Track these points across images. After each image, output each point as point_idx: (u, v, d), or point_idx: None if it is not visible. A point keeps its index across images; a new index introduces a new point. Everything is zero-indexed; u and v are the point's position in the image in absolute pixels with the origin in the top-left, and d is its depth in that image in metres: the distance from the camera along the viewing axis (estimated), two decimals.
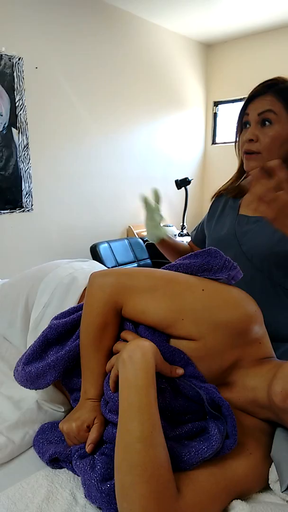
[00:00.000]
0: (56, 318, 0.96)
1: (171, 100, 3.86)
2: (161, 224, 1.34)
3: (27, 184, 2.76)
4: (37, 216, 2.86)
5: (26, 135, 2.70)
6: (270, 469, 0.74)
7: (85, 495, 0.72)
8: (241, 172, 1.24)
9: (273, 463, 0.74)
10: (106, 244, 3.03)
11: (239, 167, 1.23)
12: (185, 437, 0.73)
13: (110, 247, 3.04)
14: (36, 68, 2.70)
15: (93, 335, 0.84)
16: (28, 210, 2.80)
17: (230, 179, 1.28)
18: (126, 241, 3.23)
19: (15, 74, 2.58)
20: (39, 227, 2.90)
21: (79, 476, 0.76)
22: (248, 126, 1.10)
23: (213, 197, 1.32)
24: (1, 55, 2.49)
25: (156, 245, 1.38)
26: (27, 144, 2.72)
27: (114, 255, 3.00)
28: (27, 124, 2.69)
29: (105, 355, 0.84)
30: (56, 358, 0.88)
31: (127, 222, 3.54)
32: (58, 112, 2.89)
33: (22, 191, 2.75)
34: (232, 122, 4.24)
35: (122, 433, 0.66)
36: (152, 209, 1.30)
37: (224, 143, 4.28)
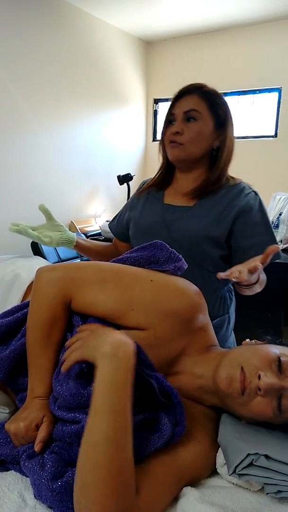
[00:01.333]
0: None
1: (113, 95, 3.84)
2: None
3: None
4: None
5: None
6: (217, 453, 0.77)
7: (34, 496, 0.70)
8: (166, 164, 1.31)
9: (220, 448, 0.77)
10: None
11: (164, 161, 1.31)
12: (137, 428, 0.74)
13: None
14: None
15: (42, 331, 0.82)
16: None
17: (156, 174, 1.35)
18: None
19: None
20: None
21: (27, 477, 0.74)
22: (173, 122, 1.20)
23: (139, 190, 1.37)
24: None
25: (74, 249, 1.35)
26: None
27: (56, 250, 2.93)
28: None
29: (54, 350, 0.83)
30: (0, 358, 0.85)
31: (69, 217, 3.48)
32: None
33: None
34: None
35: (92, 431, 0.62)
36: (51, 217, 1.27)
37: None
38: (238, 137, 3.91)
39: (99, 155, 3.72)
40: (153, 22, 3.67)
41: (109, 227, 1.47)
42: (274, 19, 3.50)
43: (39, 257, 1.27)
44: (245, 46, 3.73)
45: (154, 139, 4.43)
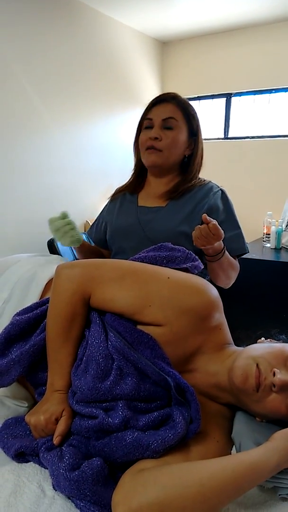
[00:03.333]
0: (18, 314, 0.95)
1: (128, 96, 3.86)
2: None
3: None
4: None
5: None
6: (232, 451, 0.79)
7: (53, 486, 0.73)
8: (139, 168, 1.39)
9: (234, 445, 0.78)
10: None
11: (137, 164, 1.39)
12: (152, 426, 0.76)
13: None
14: None
15: (62, 326, 0.85)
16: None
17: (130, 178, 1.43)
18: (84, 235, 3.20)
19: None
20: None
21: (46, 468, 0.77)
22: (150, 128, 1.26)
23: (114, 195, 1.44)
24: None
25: (75, 249, 1.40)
26: None
27: (72, 249, 2.97)
28: None
29: (74, 345, 0.86)
30: (20, 353, 0.88)
31: (85, 217, 3.52)
32: (11, 104, 2.80)
33: None
34: None
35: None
36: (66, 215, 1.30)
37: None
38: (254, 137, 3.90)
39: (114, 155, 3.74)
40: (169, 22, 3.68)
41: (87, 234, 1.50)
42: None
43: (57, 255, 1.30)
44: (260, 45, 3.70)
45: None
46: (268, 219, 3.34)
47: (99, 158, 3.60)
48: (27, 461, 0.81)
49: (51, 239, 2.91)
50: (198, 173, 1.35)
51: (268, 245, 3.20)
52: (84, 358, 0.82)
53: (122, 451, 0.71)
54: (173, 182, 1.32)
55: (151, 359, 0.79)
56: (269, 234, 3.22)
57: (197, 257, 0.96)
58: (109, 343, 0.82)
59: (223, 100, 4.01)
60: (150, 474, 0.66)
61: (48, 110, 3.06)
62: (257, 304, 2.82)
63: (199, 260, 0.95)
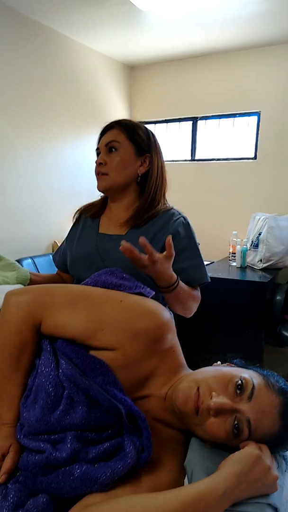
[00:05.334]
0: None
1: (97, 118, 3.90)
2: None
3: None
4: None
5: None
6: (185, 479, 0.77)
7: None
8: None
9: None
10: (29, 260, 2.94)
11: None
12: (102, 458, 0.74)
13: (34, 262, 2.96)
14: None
15: (10, 355, 0.82)
16: None
17: (91, 204, 1.42)
18: (51, 256, 3.17)
19: None
20: None
21: None
22: (99, 154, 1.31)
23: (75, 215, 1.43)
24: None
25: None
26: None
27: (38, 271, 2.92)
28: None
29: (23, 375, 0.83)
30: None
31: (52, 237, 3.48)
32: None
33: None
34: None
35: None
36: (1, 257, 1.25)
37: None
38: (219, 159, 4.01)
39: (82, 176, 3.75)
40: (136, 47, 3.77)
41: (52, 258, 1.49)
42: (253, 46, 3.63)
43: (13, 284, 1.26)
44: (225, 72, 3.85)
45: None
46: (234, 239, 3.41)
47: (66, 178, 3.59)
48: None
49: (16, 260, 2.85)
50: (161, 196, 1.32)
51: (234, 263, 3.26)
52: (34, 388, 0.80)
53: (70, 486, 0.69)
54: (133, 205, 1.30)
55: (103, 386, 0.78)
56: (234, 253, 3.28)
57: (145, 286, 0.96)
58: (60, 370, 0.80)
59: (190, 123, 4.12)
60: (96, 510, 0.64)
61: (16, 133, 3.05)
62: (224, 322, 2.85)
63: (150, 289, 0.96)
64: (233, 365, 0.88)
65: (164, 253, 1.03)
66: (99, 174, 1.29)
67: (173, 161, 4.18)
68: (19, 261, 2.84)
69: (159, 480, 0.74)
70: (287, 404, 0.75)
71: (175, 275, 1.10)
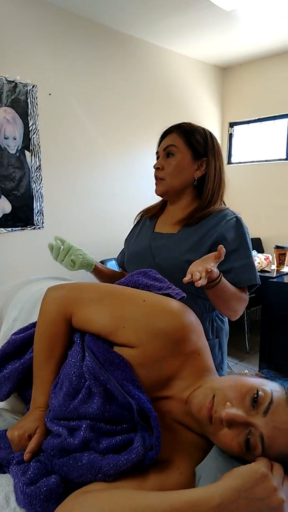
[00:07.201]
0: (15, 333, 1.02)
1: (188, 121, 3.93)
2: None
3: (38, 203, 2.89)
4: (47, 233, 2.97)
5: (38, 157, 2.84)
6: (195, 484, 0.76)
7: (15, 499, 0.76)
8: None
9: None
10: (113, 261, 3.09)
11: None
12: (113, 450, 0.76)
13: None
14: (50, 94, 2.86)
15: (45, 344, 0.90)
16: (39, 228, 2.93)
17: (152, 205, 1.47)
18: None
19: (29, 100, 2.74)
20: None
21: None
22: (158, 158, 1.34)
23: (136, 217, 1.50)
24: (16, 83, 2.66)
25: (91, 273, 1.41)
26: (39, 165, 2.86)
27: None
28: (39, 147, 2.84)
29: (56, 363, 0.90)
30: (10, 370, 0.94)
31: None
32: (70, 135, 3.03)
33: (33, 209, 2.88)
34: (248, 142, 4.27)
35: None
36: (69, 245, 1.33)
37: (240, 163, 4.30)
38: None
39: None
40: (227, 48, 3.71)
41: (116, 258, 1.57)
42: None
43: (64, 278, 1.37)
44: None
45: (229, 162, 4.41)
46: None
47: (151, 185, 3.69)
48: (4, 472, 0.86)
49: (101, 261, 3.04)
50: (218, 198, 1.31)
51: None
52: (61, 376, 0.86)
53: (77, 472, 0.73)
54: (191, 207, 1.32)
55: (120, 381, 0.80)
56: None
57: (176, 288, 0.96)
58: (84, 362, 0.85)
59: (285, 121, 3.90)
60: (91, 496, 0.67)
61: (105, 141, 3.25)
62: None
63: (180, 290, 0.95)
64: (262, 375, 0.83)
65: (214, 253, 1.05)
66: (157, 178, 1.33)
67: (266, 161, 4.00)
68: (103, 261, 3.02)
69: (167, 481, 0.73)
70: None
71: (217, 271, 1.08)
